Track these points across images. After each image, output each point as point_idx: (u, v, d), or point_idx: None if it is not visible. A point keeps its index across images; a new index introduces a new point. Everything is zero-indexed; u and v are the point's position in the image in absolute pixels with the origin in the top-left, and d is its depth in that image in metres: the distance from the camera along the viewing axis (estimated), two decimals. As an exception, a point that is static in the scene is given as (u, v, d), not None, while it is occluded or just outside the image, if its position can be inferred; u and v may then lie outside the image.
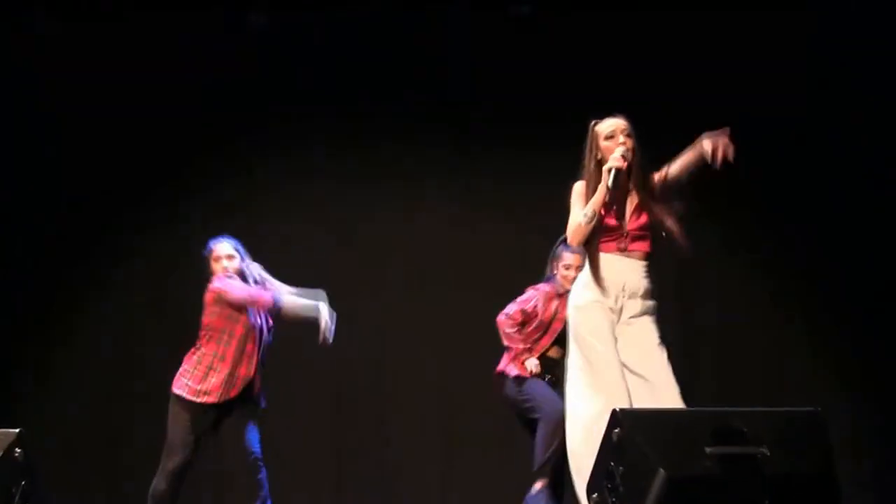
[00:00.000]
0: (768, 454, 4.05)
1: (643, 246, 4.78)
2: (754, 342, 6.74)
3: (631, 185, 4.76)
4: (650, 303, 4.79)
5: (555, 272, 6.05)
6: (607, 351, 4.71)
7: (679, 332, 5.98)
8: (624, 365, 4.72)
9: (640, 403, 4.66)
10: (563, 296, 5.73)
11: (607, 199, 4.69)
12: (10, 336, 6.96)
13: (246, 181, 7.30)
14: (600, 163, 4.77)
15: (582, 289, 4.84)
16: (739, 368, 6.61)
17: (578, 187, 4.80)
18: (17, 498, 4.31)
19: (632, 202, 4.78)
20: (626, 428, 4.13)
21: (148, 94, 7.17)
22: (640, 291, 4.76)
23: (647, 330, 4.78)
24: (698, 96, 6.76)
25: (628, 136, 4.75)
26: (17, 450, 4.34)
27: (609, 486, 4.16)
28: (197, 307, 5.69)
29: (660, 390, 4.69)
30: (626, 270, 4.75)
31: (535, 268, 6.14)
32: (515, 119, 7.22)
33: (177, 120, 7.20)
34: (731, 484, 4.04)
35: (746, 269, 6.95)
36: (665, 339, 4.76)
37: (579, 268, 5.50)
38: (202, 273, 5.68)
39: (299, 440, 6.83)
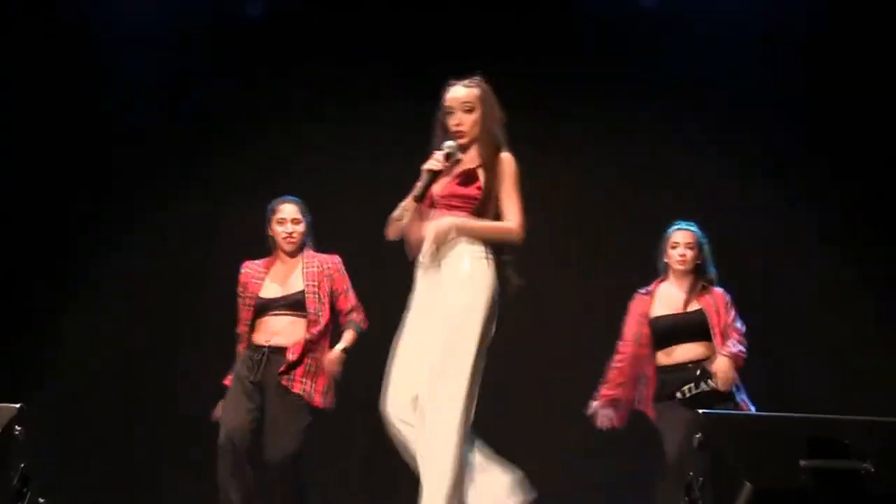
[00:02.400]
0: (872, 470, 3.63)
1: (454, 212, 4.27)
2: (859, 340, 6.29)
3: (469, 154, 4.33)
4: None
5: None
6: None
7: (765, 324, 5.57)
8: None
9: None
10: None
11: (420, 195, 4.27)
12: (14, 305, 6.62)
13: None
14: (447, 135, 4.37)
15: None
16: (841, 370, 6.17)
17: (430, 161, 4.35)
18: (15, 480, 3.98)
19: (456, 170, 4.33)
20: (710, 434, 3.72)
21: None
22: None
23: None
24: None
25: (468, 111, 4.31)
26: (18, 427, 3.99)
27: (687, 498, 3.78)
28: (220, 277, 5.30)
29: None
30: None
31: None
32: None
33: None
34: (829, 502, 3.62)
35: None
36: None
37: (688, 245, 5.29)
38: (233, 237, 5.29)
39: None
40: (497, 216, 4.29)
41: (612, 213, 6.75)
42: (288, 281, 5.34)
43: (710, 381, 5.10)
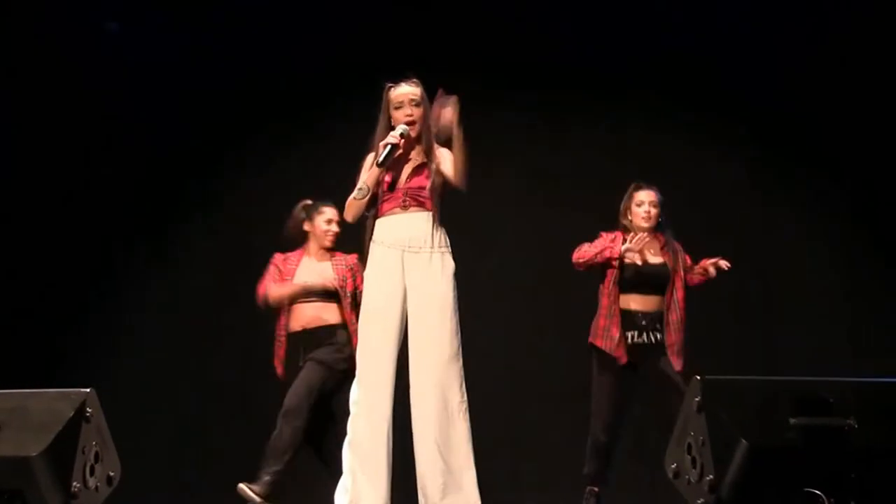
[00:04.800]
0: (856, 426, 3.94)
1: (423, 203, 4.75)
2: (842, 306, 6.55)
3: (416, 150, 4.78)
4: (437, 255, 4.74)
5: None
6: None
7: (759, 292, 5.85)
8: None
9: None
10: None
11: (380, 174, 4.71)
12: (83, 293, 7.01)
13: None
14: (390, 131, 4.77)
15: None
16: (826, 335, 6.44)
17: (369, 159, 4.77)
18: (89, 459, 4.35)
19: (411, 165, 4.77)
20: (707, 397, 4.03)
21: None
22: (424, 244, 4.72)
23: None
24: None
25: (416, 105, 4.74)
26: (89, 409, 4.36)
27: (688, 455, 4.07)
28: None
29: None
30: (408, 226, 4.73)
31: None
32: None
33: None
34: (816, 456, 3.94)
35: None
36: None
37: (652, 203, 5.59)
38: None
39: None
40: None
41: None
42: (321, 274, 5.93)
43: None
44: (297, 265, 5.97)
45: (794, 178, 6.47)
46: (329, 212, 5.97)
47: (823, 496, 3.88)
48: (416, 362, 4.70)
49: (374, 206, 4.79)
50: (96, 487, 4.36)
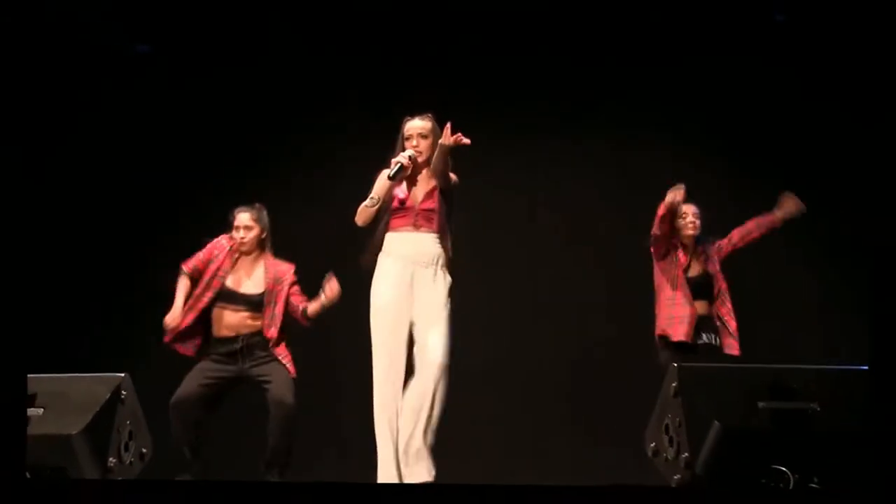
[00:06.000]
0: (818, 410, 4.28)
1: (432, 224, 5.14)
2: (810, 297, 6.79)
3: (428, 175, 5.16)
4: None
5: None
6: None
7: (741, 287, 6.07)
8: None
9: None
10: None
11: (392, 188, 5.11)
12: (115, 281, 7.22)
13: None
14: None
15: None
16: (795, 324, 6.70)
17: (384, 173, 5.15)
18: (123, 437, 4.74)
19: (424, 188, 5.17)
20: (683, 381, 4.39)
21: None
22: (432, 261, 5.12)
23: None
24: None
25: (423, 137, 5.15)
26: (124, 392, 4.75)
27: (666, 435, 4.44)
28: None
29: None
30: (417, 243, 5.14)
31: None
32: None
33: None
34: (782, 437, 4.28)
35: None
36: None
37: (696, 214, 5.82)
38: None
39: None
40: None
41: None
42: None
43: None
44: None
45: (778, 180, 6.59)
46: (238, 218, 5.64)
47: (789, 473, 4.19)
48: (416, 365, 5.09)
49: (384, 217, 5.16)
50: (130, 462, 4.74)
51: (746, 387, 4.35)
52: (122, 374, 4.78)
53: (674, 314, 5.73)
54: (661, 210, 5.70)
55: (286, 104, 7.28)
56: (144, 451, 4.85)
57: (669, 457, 4.40)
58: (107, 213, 7.31)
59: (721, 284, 5.83)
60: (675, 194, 5.67)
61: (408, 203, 5.14)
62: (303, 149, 7.26)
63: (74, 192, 7.29)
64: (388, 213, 5.15)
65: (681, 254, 5.83)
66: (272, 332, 5.48)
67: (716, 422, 4.22)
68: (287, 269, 5.62)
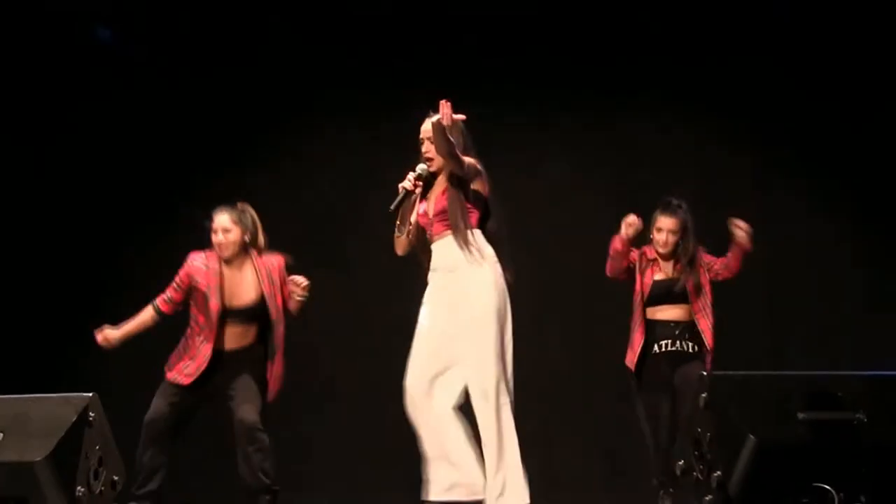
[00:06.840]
0: (865, 420, 3.95)
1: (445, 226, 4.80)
2: (851, 301, 6.54)
3: (442, 176, 4.82)
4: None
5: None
6: None
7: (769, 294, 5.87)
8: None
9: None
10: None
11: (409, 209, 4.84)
12: (86, 296, 7.01)
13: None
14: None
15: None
16: (834, 330, 6.44)
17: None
18: (93, 463, 4.39)
19: (437, 191, 4.83)
20: (714, 392, 4.04)
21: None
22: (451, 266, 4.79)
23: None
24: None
25: (431, 140, 4.76)
26: (92, 414, 4.40)
27: (696, 452, 4.10)
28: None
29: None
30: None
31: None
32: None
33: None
34: (825, 451, 3.95)
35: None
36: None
37: (671, 231, 5.50)
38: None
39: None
40: (466, 221, 4.77)
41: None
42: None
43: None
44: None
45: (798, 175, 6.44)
46: (217, 220, 5.30)
47: (833, 492, 3.88)
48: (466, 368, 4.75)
49: (423, 236, 4.85)
50: (100, 492, 4.39)
51: (784, 396, 3.99)
52: (90, 395, 4.42)
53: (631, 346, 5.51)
54: (612, 248, 5.45)
55: (280, 103, 7.14)
56: (116, 478, 4.49)
57: (700, 476, 4.05)
58: (69, 228, 7.12)
59: (695, 282, 5.52)
60: (626, 229, 5.37)
61: (429, 213, 4.81)
62: (290, 146, 7.14)
63: (38, 208, 7.12)
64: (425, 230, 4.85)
65: (648, 271, 5.54)
66: (279, 329, 5.23)
67: (751, 436, 3.86)
68: (277, 263, 5.31)
